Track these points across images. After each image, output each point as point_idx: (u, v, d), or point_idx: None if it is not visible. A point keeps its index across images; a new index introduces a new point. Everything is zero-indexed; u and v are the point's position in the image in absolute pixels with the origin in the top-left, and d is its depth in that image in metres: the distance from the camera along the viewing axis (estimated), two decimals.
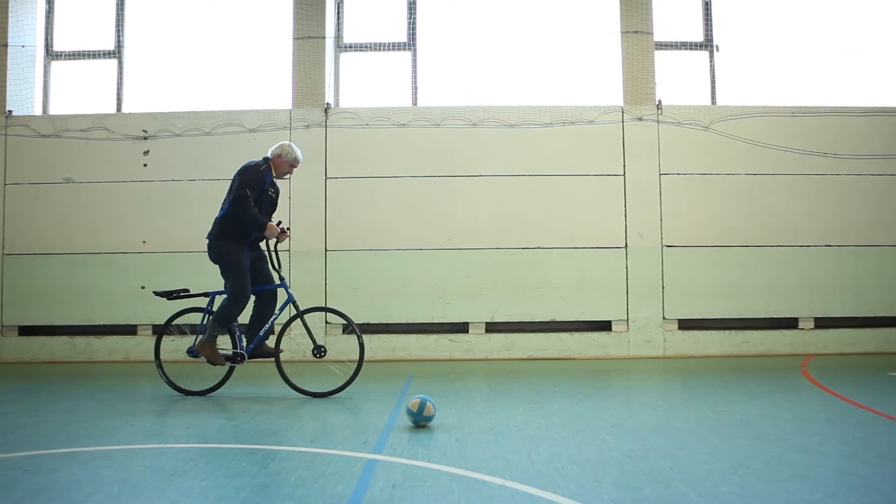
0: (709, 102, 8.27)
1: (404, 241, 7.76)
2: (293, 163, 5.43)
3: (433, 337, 7.71)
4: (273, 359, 5.36)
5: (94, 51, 8.41)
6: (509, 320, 7.73)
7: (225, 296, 5.27)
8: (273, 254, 5.39)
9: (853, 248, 7.77)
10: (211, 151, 7.87)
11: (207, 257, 5.40)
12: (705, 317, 7.74)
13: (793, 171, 7.81)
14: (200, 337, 5.31)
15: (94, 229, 7.83)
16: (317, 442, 3.76)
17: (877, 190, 7.82)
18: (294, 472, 3.15)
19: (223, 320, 5.22)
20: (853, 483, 2.91)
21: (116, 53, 8.39)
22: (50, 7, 8.44)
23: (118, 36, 8.38)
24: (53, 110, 8.42)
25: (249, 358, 5.31)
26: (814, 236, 7.78)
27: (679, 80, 8.26)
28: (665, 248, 7.76)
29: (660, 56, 8.16)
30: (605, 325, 7.78)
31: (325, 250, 7.78)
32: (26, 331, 7.86)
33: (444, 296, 7.73)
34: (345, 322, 5.45)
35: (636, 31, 7.97)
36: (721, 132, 7.84)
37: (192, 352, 5.36)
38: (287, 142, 5.56)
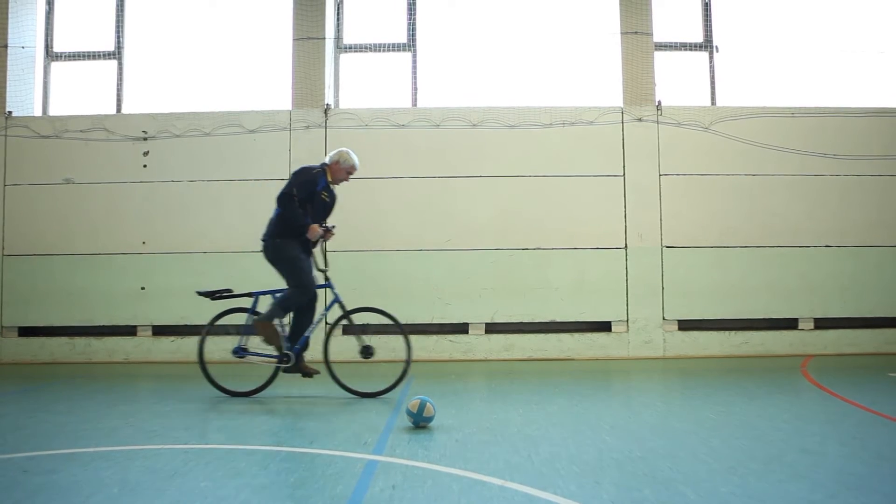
0: (708, 103, 8.28)
1: (404, 241, 7.77)
2: (350, 170, 5.46)
3: (433, 338, 7.71)
4: (312, 377, 5.35)
5: (93, 52, 8.41)
6: (509, 321, 7.72)
7: (281, 294, 5.26)
8: (321, 254, 5.43)
9: (853, 248, 7.77)
10: (211, 152, 7.88)
11: (263, 257, 5.35)
12: (705, 317, 7.74)
13: (792, 171, 7.82)
14: (256, 318, 5.24)
15: (94, 230, 7.84)
16: (317, 443, 3.76)
17: (876, 190, 7.82)
18: (294, 472, 3.15)
19: (286, 305, 5.24)
20: (853, 484, 2.92)
21: (116, 54, 8.40)
22: (50, 8, 8.44)
23: (118, 37, 8.38)
24: (53, 111, 8.42)
25: (292, 370, 5.27)
26: (813, 237, 7.78)
27: (679, 81, 8.27)
28: (665, 248, 7.76)
29: (659, 57, 8.16)
30: (604, 326, 7.78)
31: (325, 251, 7.76)
32: (26, 331, 7.85)
33: (444, 296, 7.73)
34: (392, 321, 5.40)
35: (636, 32, 7.98)
36: (721, 133, 7.84)
37: (237, 352, 5.32)
38: (346, 149, 5.56)
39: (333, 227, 5.43)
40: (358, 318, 5.51)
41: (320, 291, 5.47)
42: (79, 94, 8.44)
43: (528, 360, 7.57)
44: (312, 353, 5.60)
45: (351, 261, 7.75)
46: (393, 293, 7.70)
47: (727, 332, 7.74)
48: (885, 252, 7.78)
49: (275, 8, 8.34)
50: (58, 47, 8.45)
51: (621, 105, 7.96)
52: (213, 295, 5.42)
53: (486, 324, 7.74)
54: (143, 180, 7.88)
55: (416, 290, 7.70)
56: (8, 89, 8.00)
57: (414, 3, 8.39)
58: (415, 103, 8.31)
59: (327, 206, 5.48)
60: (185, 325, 7.73)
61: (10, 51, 8.04)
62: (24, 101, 8.14)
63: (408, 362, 5.36)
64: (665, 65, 8.21)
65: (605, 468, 3.20)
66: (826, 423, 4.25)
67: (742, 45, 8.32)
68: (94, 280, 7.75)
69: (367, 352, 5.31)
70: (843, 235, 7.78)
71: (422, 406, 4.05)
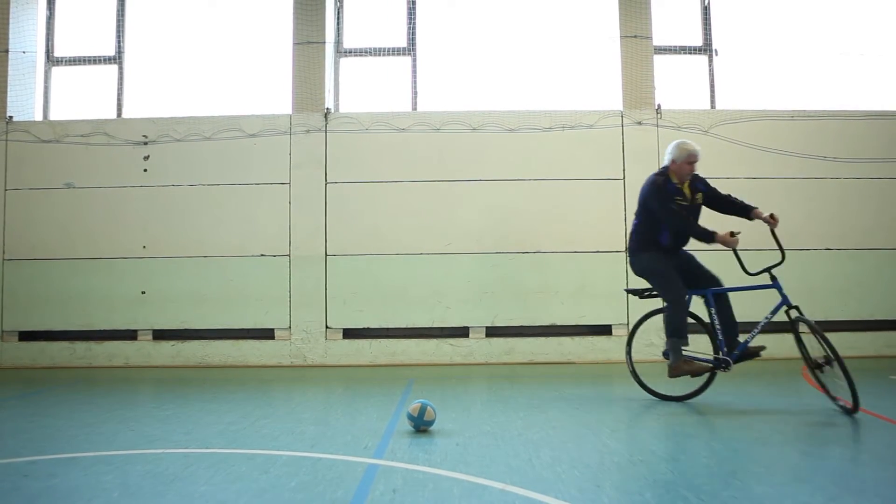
0: (708, 106, 8.29)
1: (404, 245, 7.77)
2: (690, 160, 5.04)
3: (433, 341, 7.70)
4: (754, 358, 5.10)
5: (94, 56, 8.44)
6: (509, 324, 7.72)
7: (664, 322, 5.09)
8: (738, 259, 5.16)
9: (852, 251, 7.78)
10: (211, 156, 7.89)
11: None
12: (705, 320, 7.71)
13: (792, 174, 7.82)
14: (668, 365, 5.08)
15: (95, 235, 7.84)
16: (317, 447, 3.75)
17: (876, 193, 7.82)
18: (294, 477, 3.15)
19: (673, 329, 5.02)
20: (854, 487, 2.91)
21: (117, 59, 8.41)
22: (51, 13, 8.46)
23: (118, 41, 8.40)
24: (54, 116, 8.44)
25: (735, 362, 5.03)
26: (813, 239, 7.78)
27: (678, 85, 8.28)
28: None
29: (659, 60, 8.17)
30: (605, 329, 7.77)
31: (326, 255, 7.78)
32: (26, 336, 7.85)
33: (445, 300, 7.73)
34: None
35: (635, 36, 7.99)
36: (720, 136, 7.85)
37: (667, 354, 5.20)
38: (680, 140, 5.15)
39: (738, 232, 5.01)
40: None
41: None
42: (79, 98, 8.46)
43: (529, 364, 7.56)
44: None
45: (351, 265, 7.77)
46: (393, 297, 7.71)
47: None
48: (885, 255, 7.78)
49: (275, 12, 8.36)
50: (58, 52, 8.46)
51: (621, 109, 7.97)
52: (643, 293, 5.27)
53: (487, 327, 7.74)
54: (144, 185, 7.90)
55: (416, 294, 7.70)
56: (9, 94, 8.01)
57: (414, 8, 8.41)
58: (415, 107, 8.32)
59: (691, 210, 5.12)
60: (186, 330, 7.73)
61: (10, 55, 8.05)
62: (25, 106, 8.15)
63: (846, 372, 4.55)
64: (664, 68, 8.22)
65: (606, 472, 3.20)
66: (827, 427, 4.24)
67: (741, 48, 8.34)
68: (95, 284, 7.76)
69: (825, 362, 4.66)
70: (842, 238, 7.79)
71: (422, 410, 4.04)
